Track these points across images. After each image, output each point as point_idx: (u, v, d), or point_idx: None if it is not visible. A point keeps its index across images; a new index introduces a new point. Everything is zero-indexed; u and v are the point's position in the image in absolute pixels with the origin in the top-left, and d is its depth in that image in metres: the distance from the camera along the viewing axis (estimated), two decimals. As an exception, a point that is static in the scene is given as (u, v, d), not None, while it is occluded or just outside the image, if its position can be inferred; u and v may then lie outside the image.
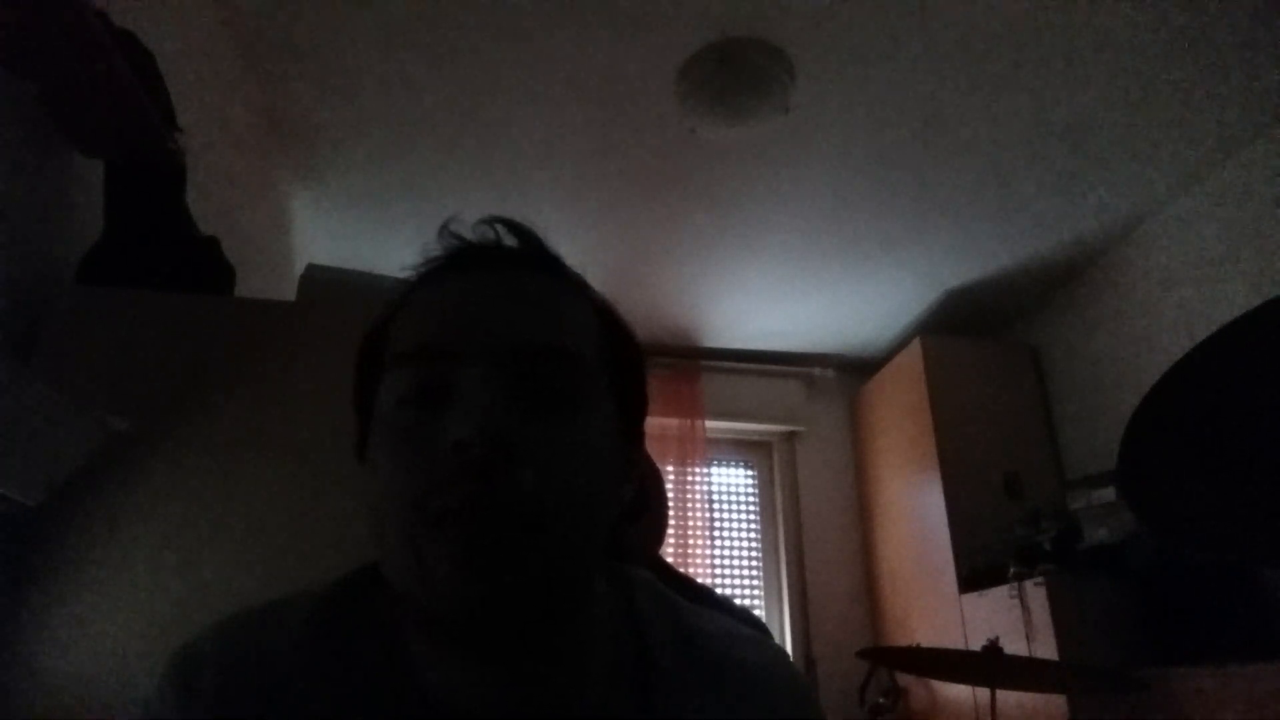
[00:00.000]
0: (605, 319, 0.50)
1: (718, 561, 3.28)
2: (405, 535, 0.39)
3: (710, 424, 3.34)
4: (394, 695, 0.44)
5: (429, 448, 0.40)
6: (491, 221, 0.49)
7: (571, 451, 0.42)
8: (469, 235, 0.49)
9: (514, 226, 0.50)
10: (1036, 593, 2.17)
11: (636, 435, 0.52)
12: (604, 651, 0.47)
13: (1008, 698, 1.93)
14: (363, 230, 2.62)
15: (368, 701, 0.43)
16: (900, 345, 3.22)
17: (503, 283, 0.46)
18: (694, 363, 3.40)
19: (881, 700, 2.71)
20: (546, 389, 0.43)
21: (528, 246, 0.49)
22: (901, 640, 2.85)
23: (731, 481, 3.50)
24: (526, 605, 0.40)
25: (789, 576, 3.26)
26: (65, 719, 0.86)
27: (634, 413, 0.51)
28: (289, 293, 1.96)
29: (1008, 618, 2.24)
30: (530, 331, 0.44)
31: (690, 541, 3.19)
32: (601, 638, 0.47)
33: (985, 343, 3.17)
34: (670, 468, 3.22)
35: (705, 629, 0.51)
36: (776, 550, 3.35)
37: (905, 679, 2.76)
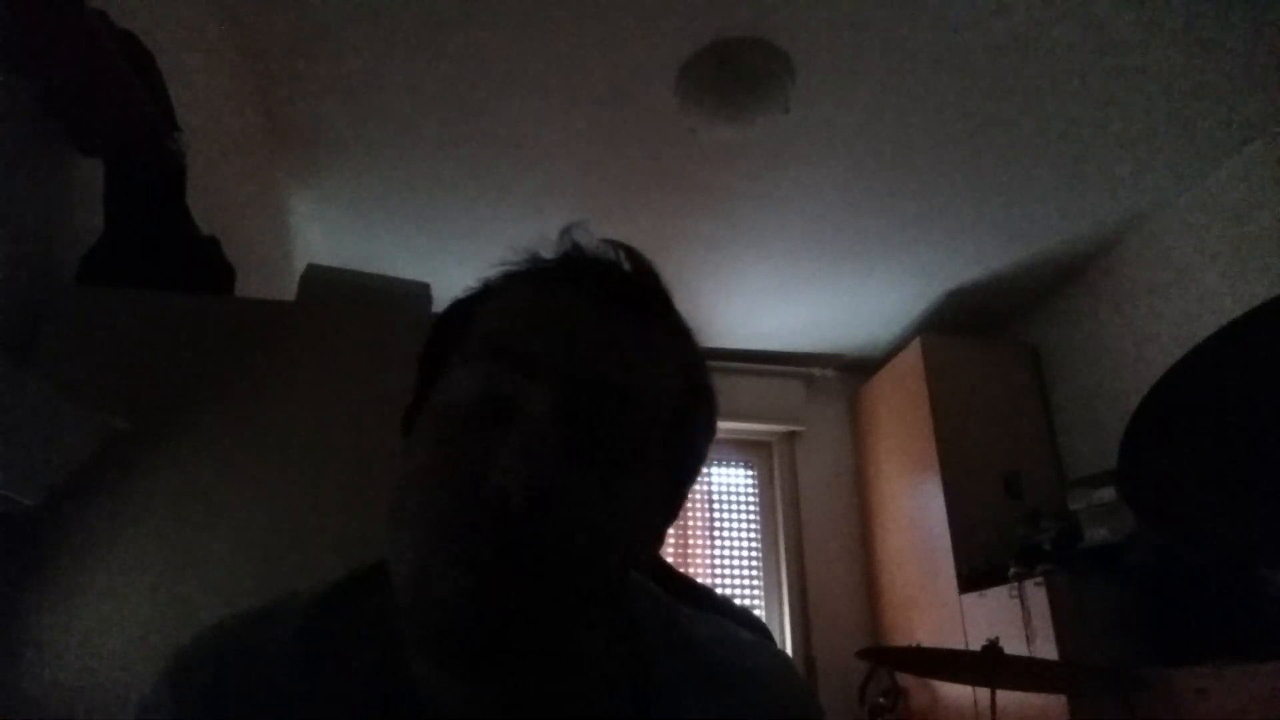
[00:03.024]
0: (693, 377, 0.48)
1: (718, 561, 3.28)
2: (418, 551, 0.39)
3: (710, 424, 3.34)
4: (388, 700, 0.43)
5: (471, 469, 0.39)
6: (616, 244, 0.48)
7: (614, 511, 0.40)
8: (588, 247, 0.48)
9: (636, 257, 0.48)
10: (1036, 593, 2.17)
11: (682, 496, 0.50)
12: (602, 661, 0.47)
13: (1008, 698, 1.93)
14: (363, 230, 2.61)
15: (361, 706, 0.43)
16: (900, 345, 3.22)
17: (603, 310, 0.44)
18: (694, 363, 3.40)
19: (881, 700, 2.71)
20: (609, 436, 0.41)
21: (643, 281, 0.48)
22: (901, 640, 2.85)
23: (731, 481, 3.50)
24: (525, 645, 0.39)
25: (789, 576, 3.26)
26: (65, 719, 0.86)
27: (686, 475, 0.49)
28: (289, 293, 1.96)
29: (1008, 618, 2.24)
30: (612, 370, 0.42)
31: (690, 541, 3.20)
32: (600, 648, 0.47)
33: (985, 343, 3.17)
34: (670, 468, 3.21)
35: (704, 636, 0.51)
36: (776, 550, 3.35)
37: (905, 679, 2.76)
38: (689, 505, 3.17)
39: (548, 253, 0.48)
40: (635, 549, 0.44)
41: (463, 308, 0.48)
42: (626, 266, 0.48)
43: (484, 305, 0.47)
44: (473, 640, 0.37)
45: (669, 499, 0.48)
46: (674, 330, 0.48)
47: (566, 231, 0.48)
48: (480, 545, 0.37)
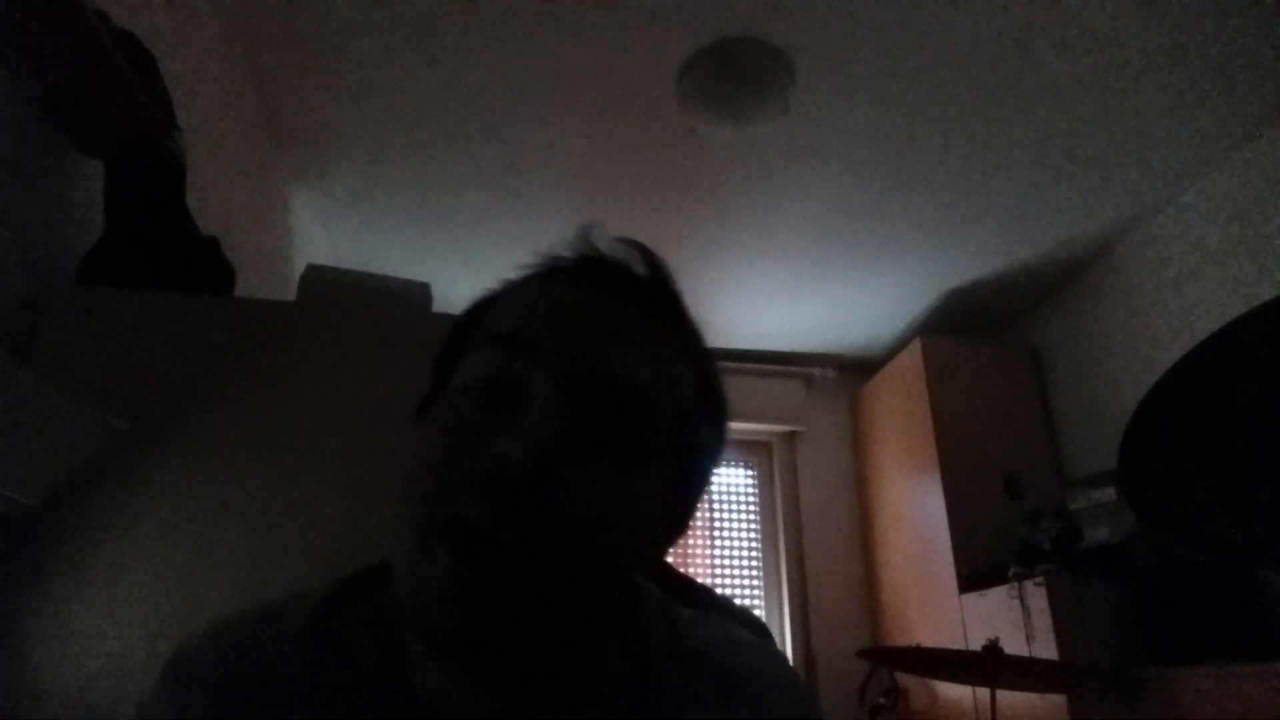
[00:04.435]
0: (705, 378, 0.48)
1: (718, 561, 3.28)
2: (417, 531, 0.38)
3: (710, 424, 3.34)
4: (390, 700, 0.43)
5: (475, 448, 0.38)
6: (631, 244, 0.49)
7: (618, 502, 0.40)
8: (604, 248, 0.48)
9: (650, 258, 0.48)
10: (1036, 593, 2.17)
11: (688, 507, 0.49)
12: (605, 663, 0.47)
13: (1008, 698, 1.93)
14: (363, 230, 2.61)
15: (364, 705, 0.43)
16: (900, 345, 3.22)
17: (615, 308, 0.44)
18: (694, 363, 3.40)
19: (881, 700, 2.71)
20: (616, 430, 0.40)
21: (655, 281, 0.48)
22: (901, 640, 2.85)
23: (731, 481, 3.50)
24: (524, 641, 0.38)
25: (789, 576, 3.26)
26: (65, 719, 0.86)
27: (693, 485, 0.49)
28: (289, 293, 1.97)
29: (1008, 618, 2.24)
30: (621, 366, 0.42)
31: (690, 541, 3.20)
32: (603, 648, 0.47)
33: (985, 343, 3.17)
34: (670, 468, 3.21)
35: (705, 637, 0.51)
36: (776, 550, 3.35)
37: (905, 679, 2.76)
38: (689, 505, 3.18)
39: (566, 254, 0.49)
40: (638, 550, 0.43)
41: (479, 307, 0.49)
42: (641, 268, 0.48)
43: (497, 303, 0.47)
44: (471, 626, 0.36)
45: (674, 506, 0.47)
46: (683, 332, 0.48)
47: (582, 232, 0.49)
48: (477, 517, 0.36)
